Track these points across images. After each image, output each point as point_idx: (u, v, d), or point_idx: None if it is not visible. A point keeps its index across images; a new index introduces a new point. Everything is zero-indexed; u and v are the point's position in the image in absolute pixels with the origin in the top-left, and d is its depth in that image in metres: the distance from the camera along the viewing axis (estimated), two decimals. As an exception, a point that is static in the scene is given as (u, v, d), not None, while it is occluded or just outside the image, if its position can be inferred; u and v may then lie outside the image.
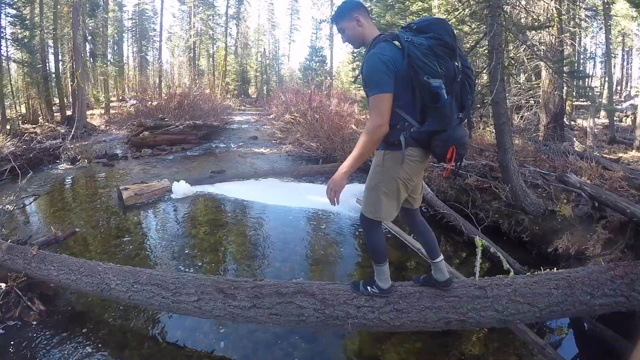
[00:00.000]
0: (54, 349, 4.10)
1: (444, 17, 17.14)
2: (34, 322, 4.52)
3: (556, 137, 11.26)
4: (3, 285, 4.88)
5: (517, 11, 7.32)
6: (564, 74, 8.40)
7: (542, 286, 3.20)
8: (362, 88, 2.95)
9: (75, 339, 4.25)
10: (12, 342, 4.19)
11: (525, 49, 10.38)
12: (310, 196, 9.33)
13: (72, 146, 15.56)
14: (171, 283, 3.73)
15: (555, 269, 4.42)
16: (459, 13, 7.37)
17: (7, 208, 8.55)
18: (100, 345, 4.18)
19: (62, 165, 14.06)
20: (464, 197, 7.97)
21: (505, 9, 6.58)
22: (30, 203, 9.64)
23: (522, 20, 7.56)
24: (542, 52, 9.48)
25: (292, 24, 65.73)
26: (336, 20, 2.96)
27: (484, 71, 7.42)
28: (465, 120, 2.88)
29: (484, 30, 7.40)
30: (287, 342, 4.20)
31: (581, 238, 5.94)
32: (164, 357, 4.05)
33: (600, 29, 23.83)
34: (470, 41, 9.67)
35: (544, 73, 11.64)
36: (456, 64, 2.65)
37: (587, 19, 12.28)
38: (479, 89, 7.95)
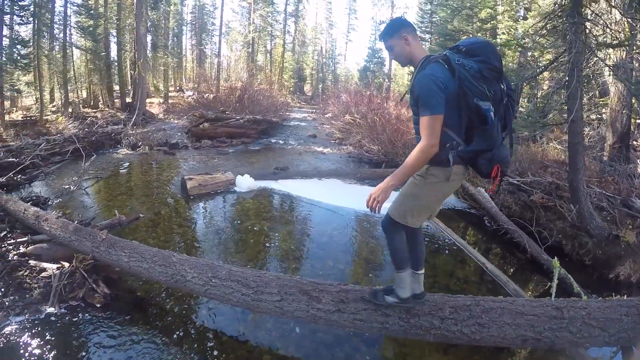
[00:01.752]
0: (114, 333, 4.20)
1: (510, 24, 17.08)
2: (98, 305, 4.62)
3: (622, 158, 10.96)
4: (67, 264, 5.07)
5: (595, 28, 7.17)
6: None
7: (613, 312, 3.22)
8: (410, 107, 2.99)
9: (136, 326, 4.36)
10: (73, 322, 4.35)
11: (595, 63, 10.18)
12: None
13: (133, 132, 16.02)
14: (252, 281, 3.80)
15: (625, 295, 4.39)
16: (543, 26, 7.25)
17: (70, 188, 9.04)
18: (160, 334, 4.27)
19: (122, 150, 14.51)
20: (527, 213, 7.85)
21: (587, 25, 6.47)
22: (92, 185, 9.92)
23: (599, 38, 7.39)
24: (613, 69, 9.26)
25: (349, 24, 65.45)
26: (384, 37, 3.03)
27: (559, 88, 7.33)
28: (508, 139, 2.97)
29: (560, 44, 7.32)
30: (348, 344, 4.26)
31: (644, 267, 5.85)
32: (225, 351, 4.09)
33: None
34: (541, 54, 9.52)
35: (612, 90, 11.31)
36: (502, 86, 2.75)
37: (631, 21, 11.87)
38: (546, 103, 7.83)
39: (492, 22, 17.20)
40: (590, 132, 13.01)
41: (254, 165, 12.75)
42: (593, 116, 13.92)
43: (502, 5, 16.59)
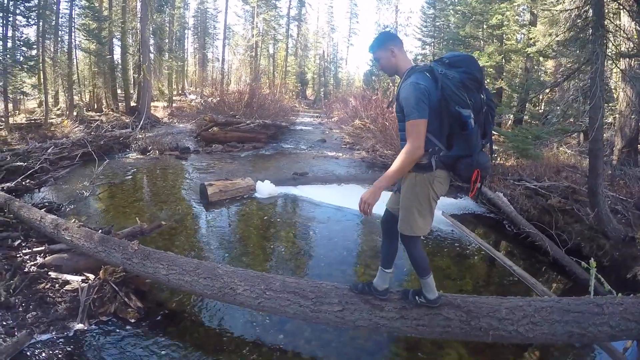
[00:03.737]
0: (150, 350, 4.03)
1: (516, 29, 17.30)
2: (132, 320, 4.41)
3: (631, 161, 11.21)
4: (91, 276, 4.87)
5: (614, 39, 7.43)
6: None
7: None
8: (396, 113, 3.19)
9: (171, 340, 4.21)
10: (106, 339, 4.12)
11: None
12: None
13: (141, 136, 15.97)
14: (310, 292, 3.79)
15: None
16: (568, 37, 7.53)
17: (83, 194, 8.83)
18: (197, 347, 4.15)
19: (132, 154, 14.41)
20: (546, 217, 8.06)
21: (609, 37, 6.76)
22: (105, 191, 9.78)
23: (619, 47, 7.69)
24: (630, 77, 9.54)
25: (350, 28, 66.04)
26: (373, 49, 3.24)
27: (579, 97, 7.56)
28: (488, 146, 3.22)
29: (579, 54, 7.58)
30: (388, 350, 4.36)
31: (660, 266, 6.09)
32: (266, 362, 4.07)
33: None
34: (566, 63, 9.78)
35: (621, 96, 11.55)
36: (482, 96, 2.96)
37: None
38: (565, 111, 8.06)
39: (502, 28, 17.40)
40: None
41: (269, 171, 12.67)
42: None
43: (509, 11, 16.79)
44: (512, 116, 16.78)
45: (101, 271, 4.82)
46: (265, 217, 8.53)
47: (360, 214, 3.05)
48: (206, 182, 9.32)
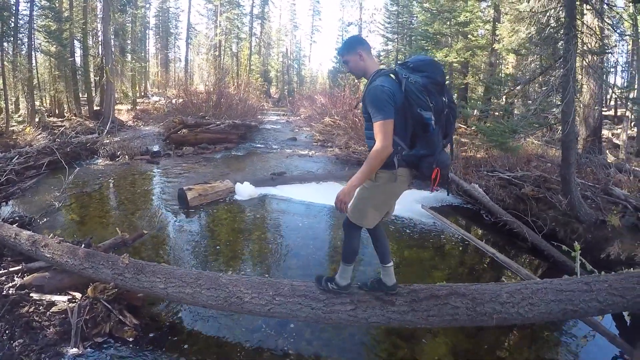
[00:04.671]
0: None
1: (480, 26, 17.68)
2: (130, 339, 4.16)
3: (595, 150, 11.74)
4: (78, 295, 4.57)
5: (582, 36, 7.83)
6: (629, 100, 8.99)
7: (628, 282, 3.67)
8: (363, 114, 3.33)
9: (173, 355, 4.06)
10: None
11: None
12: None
13: (109, 141, 15.47)
14: (320, 293, 3.79)
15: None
16: (539, 37, 7.90)
17: (55, 205, 8.38)
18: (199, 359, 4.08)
19: (100, 160, 13.82)
20: (521, 205, 8.48)
21: (579, 36, 7.12)
22: (77, 200, 9.31)
23: (586, 45, 8.11)
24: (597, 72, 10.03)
25: (313, 25, 66.44)
26: (342, 52, 3.38)
27: (551, 92, 7.90)
28: (448, 145, 3.43)
29: (549, 52, 7.96)
30: (388, 342, 4.47)
31: (630, 246, 6.58)
32: (270, 367, 4.04)
33: (621, 40, 24.23)
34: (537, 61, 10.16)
35: (585, 88, 12.05)
36: (443, 99, 3.13)
37: (609, 29, 12.67)
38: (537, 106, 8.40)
39: (470, 25, 17.85)
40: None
41: (245, 171, 12.60)
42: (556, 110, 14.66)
43: (476, 9, 17.28)
44: (476, 111, 17.23)
45: (90, 289, 4.52)
46: (249, 219, 8.48)
47: (337, 211, 3.17)
48: (185, 187, 9.12)
